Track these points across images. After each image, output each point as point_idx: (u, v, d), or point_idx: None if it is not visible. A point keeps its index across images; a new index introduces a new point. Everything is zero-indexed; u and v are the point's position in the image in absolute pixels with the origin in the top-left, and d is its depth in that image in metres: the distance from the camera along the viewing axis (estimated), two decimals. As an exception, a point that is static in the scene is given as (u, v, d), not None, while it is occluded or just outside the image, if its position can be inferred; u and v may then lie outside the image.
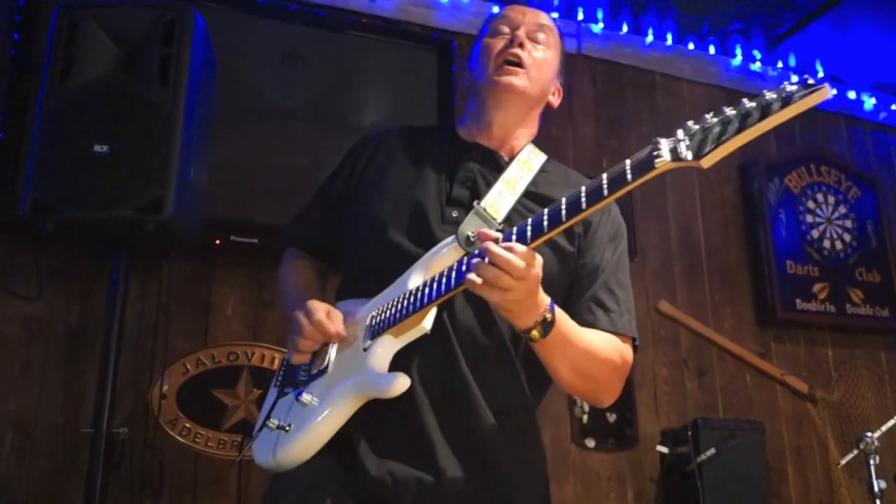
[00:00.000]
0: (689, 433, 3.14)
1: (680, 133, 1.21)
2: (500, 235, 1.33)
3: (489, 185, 1.62)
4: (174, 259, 2.97)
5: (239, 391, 3.03)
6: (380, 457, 1.46)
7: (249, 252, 3.07)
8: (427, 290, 1.40)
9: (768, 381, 3.99)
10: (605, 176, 1.26)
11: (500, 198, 1.59)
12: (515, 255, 1.27)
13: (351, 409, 1.45)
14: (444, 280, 1.38)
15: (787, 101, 1.14)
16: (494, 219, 1.55)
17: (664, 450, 3.24)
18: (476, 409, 1.49)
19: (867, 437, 2.70)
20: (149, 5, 2.54)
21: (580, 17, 4.09)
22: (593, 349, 1.50)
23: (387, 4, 3.70)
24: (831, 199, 4.44)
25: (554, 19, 1.86)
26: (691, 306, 3.95)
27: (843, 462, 2.81)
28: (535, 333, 1.37)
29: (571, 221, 1.28)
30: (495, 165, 1.68)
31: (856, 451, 2.72)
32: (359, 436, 1.47)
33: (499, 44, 1.70)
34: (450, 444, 1.46)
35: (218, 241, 3.01)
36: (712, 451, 3.08)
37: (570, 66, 4.06)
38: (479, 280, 1.28)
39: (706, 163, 1.18)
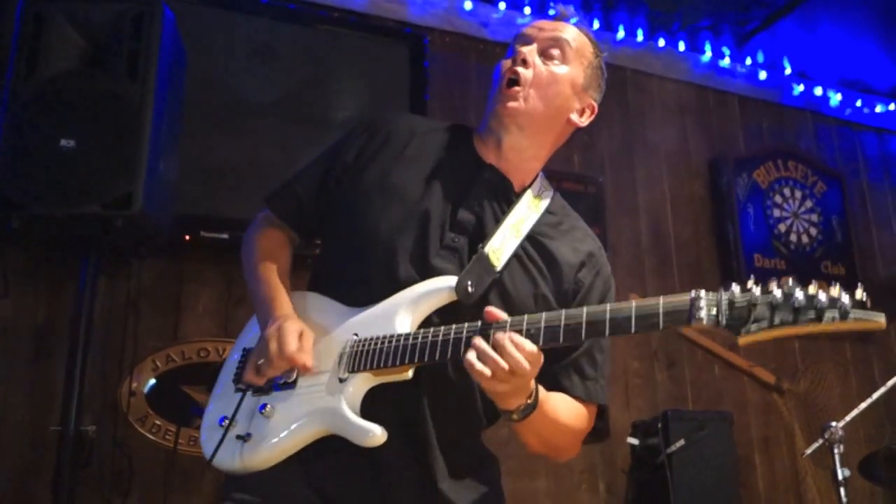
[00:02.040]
0: (660, 425, 3.17)
1: (723, 296, 1.22)
2: (508, 320, 1.34)
3: (495, 219, 1.58)
4: (143, 255, 2.94)
5: (209, 387, 3.01)
6: (333, 481, 1.47)
7: (219, 247, 3.05)
8: (420, 348, 1.39)
9: (737, 373, 4.05)
10: (633, 309, 1.28)
11: (504, 242, 1.55)
12: (524, 355, 1.29)
13: (315, 437, 1.44)
14: (439, 348, 1.38)
15: (843, 315, 1.14)
16: (494, 266, 1.51)
17: (635, 442, 3.27)
18: (429, 443, 1.49)
19: (832, 426, 2.75)
20: (116, -1, 2.51)
21: (551, 12, 4.09)
22: (563, 422, 1.50)
23: (358, -1, 3.68)
24: (798, 194, 4.51)
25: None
26: (661, 300, 3.98)
27: (809, 451, 2.85)
28: (514, 416, 1.39)
29: (586, 339, 1.33)
30: (505, 197, 1.62)
31: (821, 441, 2.77)
32: (311, 454, 1.46)
33: (508, 62, 1.65)
34: (403, 473, 1.47)
35: (188, 237, 2.98)
36: (682, 442, 3.11)
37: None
38: (487, 372, 1.29)
39: (742, 341, 1.19)
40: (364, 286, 1.53)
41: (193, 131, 2.97)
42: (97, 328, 2.65)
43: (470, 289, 1.46)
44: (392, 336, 1.43)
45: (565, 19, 1.73)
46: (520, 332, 1.33)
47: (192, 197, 2.96)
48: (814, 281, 1.19)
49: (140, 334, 2.92)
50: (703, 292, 1.24)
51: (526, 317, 1.35)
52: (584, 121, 1.71)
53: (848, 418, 2.83)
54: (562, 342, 1.32)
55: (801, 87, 4.71)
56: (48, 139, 2.28)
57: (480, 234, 1.56)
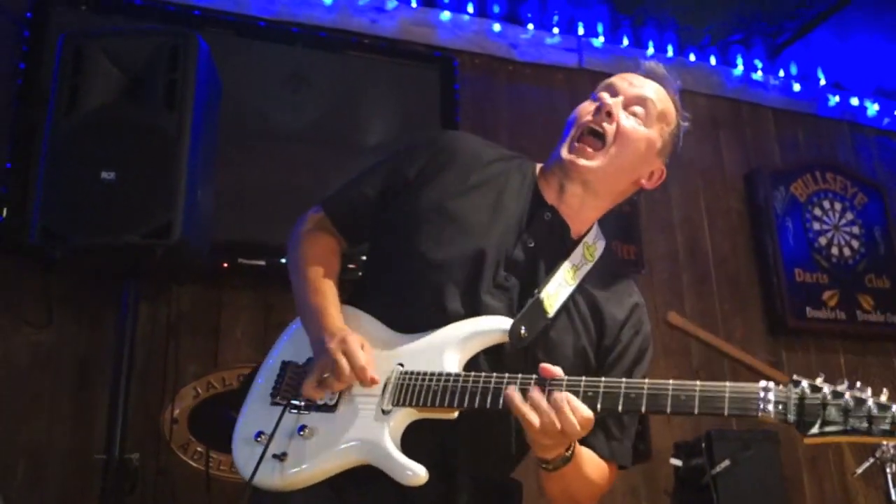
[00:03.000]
0: (703, 445, 3.11)
1: (794, 390, 1.23)
2: (565, 379, 1.33)
3: (549, 263, 1.56)
4: (183, 283, 2.98)
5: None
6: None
7: (257, 274, 3.08)
8: (470, 393, 1.37)
9: (781, 391, 3.96)
10: (698, 391, 1.28)
11: (558, 290, 1.53)
12: (578, 419, 1.28)
13: (353, 465, 1.42)
14: (490, 396, 1.36)
15: None
16: (547, 312, 1.50)
17: (678, 463, 3.21)
18: (459, 480, 1.48)
19: (883, 445, 2.68)
20: (153, 32, 2.58)
21: (581, 31, 4.11)
22: (587, 477, 1.49)
23: (388, 24, 3.72)
24: (838, 206, 4.43)
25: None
26: (701, 316, 3.93)
27: (860, 471, 2.79)
28: (549, 466, 1.39)
29: (646, 412, 1.30)
30: (562, 242, 1.60)
31: (872, 460, 2.71)
32: (345, 481, 1.44)
33: (590, 108, 1.60)
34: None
35: (226, 265, 3.02)
36: (727, 462, 3.05)
37: (572, 80, 4.07)
38: (537, 424, 1.29)
39: (809, 441, 1.21)
40: (409, 311, 1.51)
41: (229, 159, 3.01)
42: (138, 356, 2.68)
43: (523, 333, 1.45)
44: (440, 375, 1.41)
45: (654, 76, 1.67)
46: (577, 393, 1.32)
47: (228, 224, 2.99)
48: (885, 391, 1.20)
49: (181, 361, 2.94)
50: (772, 384, 1.25)
51: (584, 379, 1.34)
52: (651, 184, 1.67)
53: (900, 435, 2.75)
54: (621, 411, 1.31)
55: (836, 98, 4.64)
56: (89, 171, 2.32)
57: (533, 277, 1.54)
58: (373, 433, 1.41)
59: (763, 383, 1.24)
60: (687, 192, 4.15)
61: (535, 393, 1.31)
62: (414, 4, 3.80)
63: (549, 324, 1.50)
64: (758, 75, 4.47)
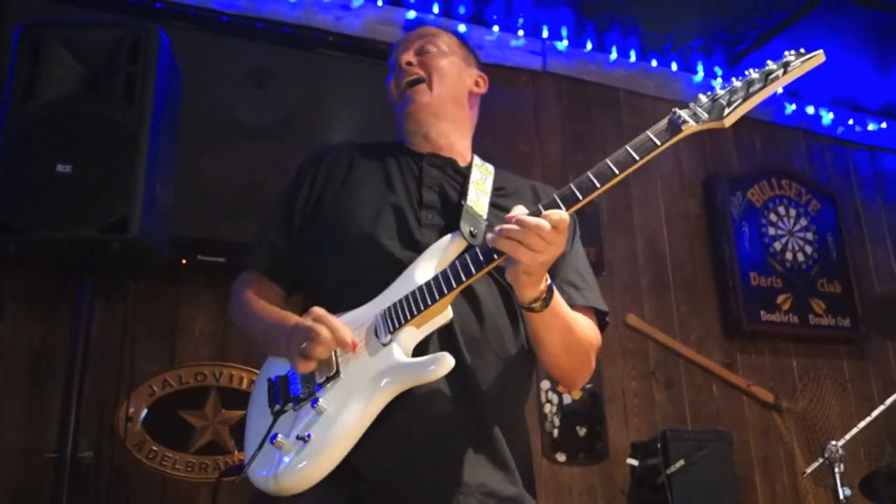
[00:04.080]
0: (659, 445, 3.16)
1: (692, 104, 1.45)
2: (525, 210, 1.41)
3: (455, 188, 1.70)
4: (140, 279, 2.93)
5: (207, 412, 2.99)
6: (388, 454, 1.44)
7: (216, 271, 3.04)
8: (452, 275, 1.44)
9: (735, 392, 4.05)
10: (628, 147, 1.43)
11: (478, 197, 1.66)
12: (553, 221, 1.36)
13: (383, 404, 1.41)
14: (470, 263, 1.43)
15: (786, 67, 1.42)
16: (481, 215, 1.62)
17: (634, 462, 3.26)
18: (478, 398, 1.52)
19: (832, 445, 2.74)
20: (114, 24, 2.52)
21: (545, 34, 4.14)
22: (577, 325, 1.60)
23: (354, 23, 3.71)
24: (792, 212, 4.53)
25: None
26: (659, 319, 3.99)
27: (809, 470, 2.84)
28: (538, 304, 1.46)
29: (603, 188, 1.41)
30: (455, 171, 1.75)
31: (821, 460, 2.76)
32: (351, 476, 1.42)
33: (394, 78, 1.82)
34: (458, 434, 1.49)
35: (184, 261, 2.98)
36: (681, 462, 3.10)
37: (536, 83, 4.11)
38: (518, 245, 1.36)
39: (727, 122, 1.41)
40: (365, 283, 1.56)
41: (190, 155, 2.97)
42: (94, 352, 2.62)
43: (474, 232, 1.56)
44: (417, 287, 1.48)
45: (418, 28, 1.90)
46: (539, 211, 1.40)
47: (188, 220, 2.95)
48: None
49: (137, 358, 2.90)
50: (677, 108, 1.45)
51: (539, 204, 1.42)
52: (482, 90, 1.89)
53: (848, 437, 2.82)
54: (582, 199, 1.41)
55: (793, 106, 4.75)
56: (45, 164, 2.27)
57: (449, 207, 1.66)
58: (384, 363, 1.43)
59: (673, 110, 1.45)
60: (647, 196, 4.20)
61: (507, 225, 1.38)
62: (380, 3, 3.79)
63: (487, 222, 1.61)
64: (717, 82, 4.54)
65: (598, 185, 1.41)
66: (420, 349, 1.48)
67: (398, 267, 1.56)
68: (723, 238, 4.25)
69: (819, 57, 1.42)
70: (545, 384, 3.62)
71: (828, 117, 4.84)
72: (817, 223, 4.58)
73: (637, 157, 1.41)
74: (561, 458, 3.54)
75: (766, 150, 4.65)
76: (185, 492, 2.88)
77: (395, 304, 1.48)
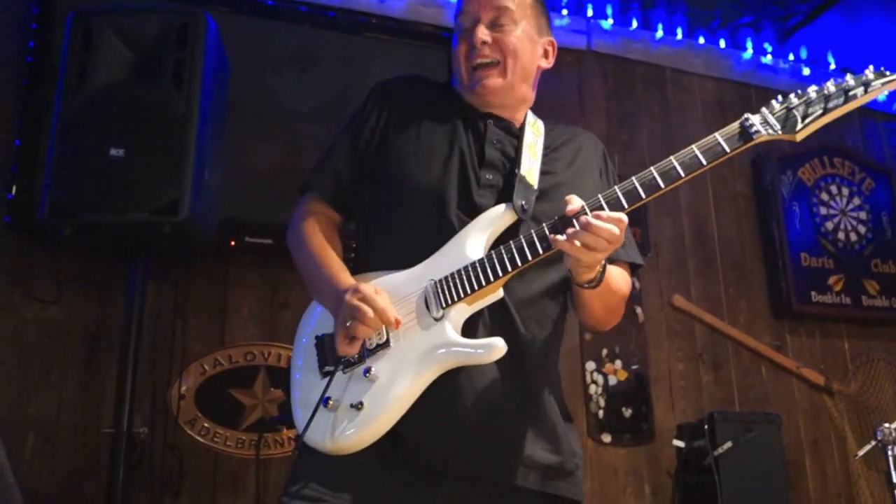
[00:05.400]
0: (706, 427, 3.13)
1: (765, 110, 1.42)
2: (584, 203, 1.42)
3: (512, 150, 1.68)
4: (190, 261, 3.00)
5: (256, 391, 3.06)
6: (433, 423, 1.47)
7: (264, 252, 3.10)
8: (508, 258, 1.46)
9: (784, 374, 3.98)
10: (695, 148, 1.41)
11: (531, 164, 1.65)
12: (614, 224, 1.38)
13: (431, 379, 1.45)
14: (527, 249, 1.46)
15: (867, 87, 1.38)
16: (532, 185, 1.62)
17: (681, 444, 3.24)
18: (527, 366, 1.54)
19: (885, 427, 2.69)
20: (161, 10, 2.58)
21: (590, 13, 4.09)
22: (618, 286, 1.62)
23: (397, 5, 3.71)
24: (845, 191, 4.42)
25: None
26: (706, 300, 3.94)
27: (861, 453, 2.80)
28: (592, 284, 1.50)
29: (667, 189, 1.41)
30: (510, 133, 1.72)
31: (873, 443, 2.71)
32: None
33: (464, 47, 1.73)
34: (508, 402, 1.51)
35: (233, 243, 3.04)
36: (729, 444, 3.07)
37: (581, 62, 4.06)
38: (581, 246, 1.38)
39: (799, 137, 1.39)
40: (418, 242, 1.58)
41: (237, 138, 3.03)
42: (146, 332, 2.71)
43: (525, 206, 1.57)
44: (471, 263, 1.49)
45: None
46: (601, 207, 1.41)
47: (236, 203, 3.01)
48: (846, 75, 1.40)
49: (188, 338, 2.98)
50: (748, 114, 1.42)
51: (600, 196, 1.43)
52: (550, 62, 1.84)
53: (901, 419, 2.76)
54: (645, 198, 1.41)
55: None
56: (97, 148, 2.34)
57: (508, 166, 1.65)
58: (435, 338, 1.46)
59: (744, 116, 1.42)
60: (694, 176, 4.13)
61: (570, 228, 1.40)
62: (422, -16, 3.79)
63: (538, 192, 1.62)
64: (767, 59, 4.44)
65: (662, 185, 1.40)
66: (472, 319, 1.50)
67: (450, 229, 1.56)
68: (772, 218, 4.16)
69: None
70: (590, 365, 3.61)
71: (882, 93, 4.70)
72: (871, 202, 4.46)
73: (704, 162, 1.40)
74: (606, 438, 3.54)
75: (819, 128, 4.53)
76: (236, 467, 2.95)
77: (447, 278, 1.49)
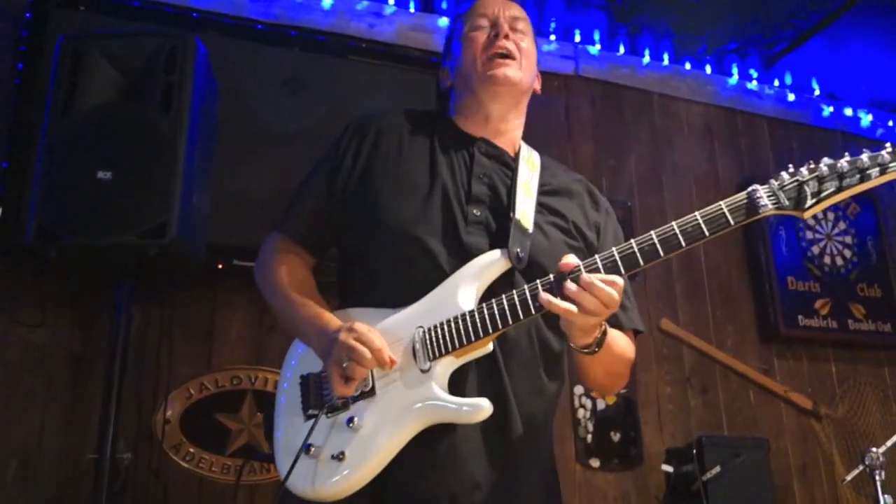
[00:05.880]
0: (694, 451, 3.12)
1: (774, 182, 1.37)
2: (581, 264, 1.39)
3: (505, 185, 1.64)
4: (177, 284, 2.98)
5: (242, 415, 3.03)
6: (415, 476, 1.43)
7: (252, 275, 3.06)
8: (499, 315, 1.42)
9: (772, 398, 3.98)
10: (699, 216, 1.36)
11: (525, 205, 1.60)
12: (613, 288, 1.35)
13: (414, 433, 1.42)
14: (519, 308, 1.42)
15: (883, 169, 1.33)
16: (527, 228, 1.57)
17: (669, 469, 3.22)
18: (512, 420, 1.50)
19: (872, 452, 2.69)
20: (151, 34, 2.58)
21: (577, 38, 4.13)
22: (621, 351, 1.59)
23: (386, 30, 3.74)
24: (831, 216, 4.46)
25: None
26: (694, 324, 3.95)
27: (849, 478, 2.79)
28: (590, 349, 1.46)
29: (665, 257, 1.37)
30: (504, 164, 1.69)
31: (861, 467, 2.71)
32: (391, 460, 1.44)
33: (482, 37, 1.71)
34: (489, 456, 1.47)
35: (221, 265, 3.02)
36: (717, 469, 3.06)
37: (569, 87, 4.10)
38: (576, 310, 1.35)
39: (807, 215, 1.34)
40: (404, 283, 1.53)
41: (225, 161, 3.02)
42: (132, 356, 2.68)
43: (520, 254, 1.51)
44: (462, 315, 1.45)
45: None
46: (597, 270, 1.39)
47: (224, 226, 2.99)
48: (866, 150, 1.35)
49: (174, 362, 2.95)
50: (757, 185, 1.37)
51: (597, 257, 1.41)
52: (538, 88, 1.84)
53: (889, 443, 2.77)
54: (643, 265, 1.38)
55: (830, 109, 4.68)
56: (85, 171, 2.33)
57: (498, 202, 1.61)
58: (421, 393, 1.42)
59: (750, 187, 1.37)
60: (681, 199, 4.16)
61: (567, 284, 1.37)
62: (412, 10, 3.81)
63: (534, 236, 1.57)
64: (753, 85, 4.50)
65: (662, 253, 1.37)
66: (461, 372, 1.47)
67: (440, 273, 1.51)
68: (759, 242, 4.19)
69: None
70: (578, 389, 3.60)
71: (866, 119, 4.76)
72: (857, 227, 4.50)
73: (707, 233, 1.36)
74: (595, 463, 3.52)
75: (804, 153, 4.58)
76: (221, 493, 2.91)
77: (436, 328, 1.45)
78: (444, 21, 3.85)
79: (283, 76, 3.37)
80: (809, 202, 1.32)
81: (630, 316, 1.68)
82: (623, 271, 1.38)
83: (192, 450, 2.92)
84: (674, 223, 1.37)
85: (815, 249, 4.34)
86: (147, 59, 2.48)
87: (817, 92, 4.65)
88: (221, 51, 2.98)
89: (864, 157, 1.33)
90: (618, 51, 4.23)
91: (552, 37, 4.07)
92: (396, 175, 1.63)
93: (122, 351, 2.48)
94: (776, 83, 4.56)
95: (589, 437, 3.55)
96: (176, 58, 2.48)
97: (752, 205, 1.35)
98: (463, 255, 1.53)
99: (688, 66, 4.37)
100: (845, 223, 4.48)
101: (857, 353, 4.26)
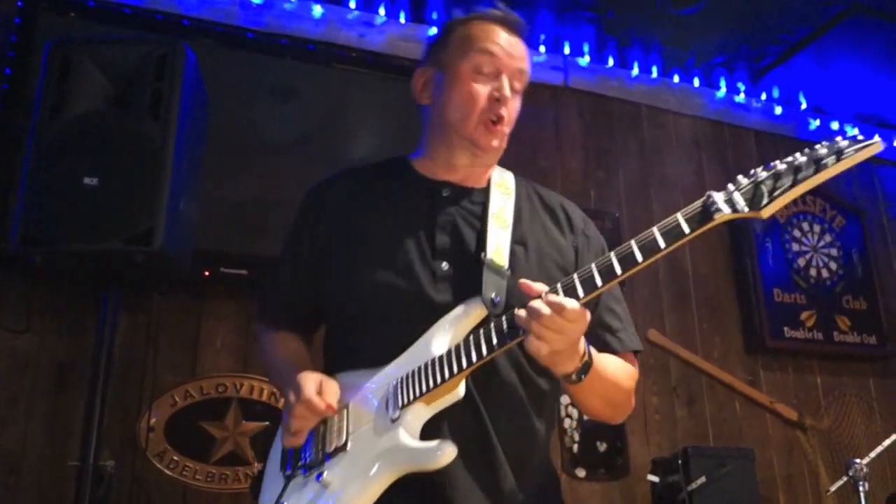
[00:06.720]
0: (680, 462, 3.13)
1: (731, 186, 1.29)
2: (543, 289, 1.32)
3: (472, 226, 1.58)
4: (163, 291, 2.97)
5: (227, 423, 3.02)
6: None
7: (238, 284, 3.08)
8: (465, 354, 1.37)
9: (758, 409, 4.00)
10: (656, 230, 1.31)
11: (498, 241, 1.54)
12: (567, 314, 1.27)
13: (385, 485, 1.37)
14: (484, 344, 1.36)
15: (839, 155, 1.23)
16: (502, 267, 1.50)
17: (655, 479, 3.23)
18: (498, 463, 1.46)
19: (856, 463, 2.71)
20: (140, 41, 2.58)
21: (567, 50, 4.16)
22: (616, 378, 1.53)
23: (376, 39, 3.75)
24: (817, 228, 4.49)
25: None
26: (680, 335, 3.96)
27: (833, 489, 2.81)
28: (574, 378, 1.39)
29: (625, 275, 1.29)
30: (471, 202, 1.63)
31: (845, 478, 2.73)
32: None
33: (482, 94, 1.60)
34: (484, 499, 1.43)
35: (207, 273, 3.01)
36: (703, 479, 3.07)
37: (558, 98, 4.12)
38: (533, 339, 1.29)
39: (765, 213, 1.26)
40: (379, 347, 1.51)
41: (214, 169, 3.01)
42: (117, 363, 2.66)
43: (496, 299, 1.46)
44: (432, 360, 1.41)
45: (522, 32, 1.68)
46: (556, 293, 1.31)
47: (212, 234, 2.99)
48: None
49: (159, 369, 2.93)
50: (712, 192, 1.31)
51: (559, 283, 1.33)
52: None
53: (873, 455, 2.78)
54: (601, 285, 1.30)
55: (817, 122, 4.72)
56: (71, 177, 2.32)
57: (464, 250, 1.55)
58: (387, 442, 1.38)
59: (707, 193, 1.31)
60: (669, 211, 4.13)
61: (518, 313, 1.31)
62: (402, 20, 3.83)
63: (510, 276, 1.50)
64: (740, 98, 4.53)
65: (619, 271, 1.29)
66: (436, 421, 1.41)
67: (414, 334, 1.48)
68: (745, 254, 4.22)
69: (876, 146, 1.23)
70: (565, 399, 3.60)
71: (853, 133, 4.79)
72: (842, 239, 4.53)
73: (663, 245, 1.29)
74: (580, 473, 3.52)
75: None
76: (205, 501, 2.90)
77: (407, 377, 1.42)
78: (433, 31, 3.86)
79: (273, 85, 3.38)
80: (765, 200, 1.25)
81: (621, 338, 1.62)
82: (582, 294, 1.30)
83: (176, 457, 2.91)
84: (632, 240, 1.32)
85: (802, 261, 4.37)
86: (136, 66, 2.48)
87: (804, 106, 4.69)
88: (211, 58, 2.98)
89: (820, 147, 1.26)
90: (607, 63, 4.26)
91: (542, 48, 4.09)
92: (360, 241, 1.60)
93: (107, 358, 2.46)
94: (763, 97, 4.60)
95: (575, 446, 3.55)
96: (165, 65, 2.47)
97: (705, 211, 1.29)
98: (437, 313, 1.48)
99: (676, 78, 4.40)
100: (831, 236, 4.51)
101: (842, 364, 4.28)
